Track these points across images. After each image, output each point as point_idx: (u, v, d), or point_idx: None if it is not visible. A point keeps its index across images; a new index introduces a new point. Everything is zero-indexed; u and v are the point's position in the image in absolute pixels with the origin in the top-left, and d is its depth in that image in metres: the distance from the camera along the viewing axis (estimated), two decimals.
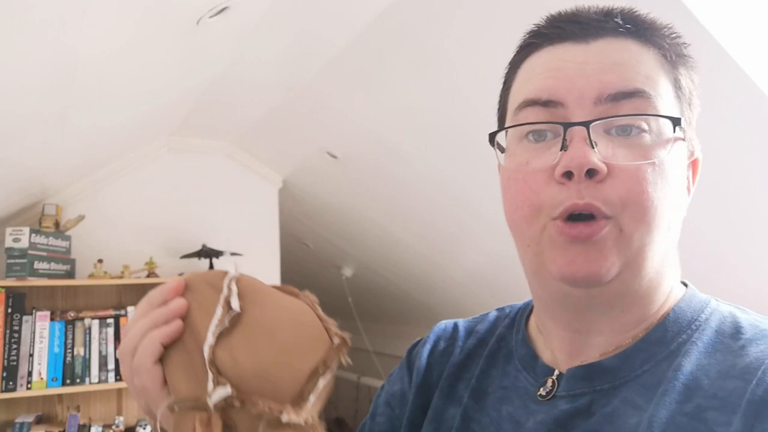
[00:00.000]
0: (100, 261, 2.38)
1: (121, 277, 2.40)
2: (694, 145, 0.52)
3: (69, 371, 2.19)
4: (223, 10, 1.47)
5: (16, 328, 2.13)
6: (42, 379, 2.13)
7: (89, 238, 2.48)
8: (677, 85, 0.49)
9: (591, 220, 0.45)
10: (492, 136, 0.53)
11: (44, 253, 2.20)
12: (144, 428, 2.34)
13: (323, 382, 0.42)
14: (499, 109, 0.57)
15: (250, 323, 0.43)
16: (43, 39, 1.21)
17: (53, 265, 2.25)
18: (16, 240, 2.11)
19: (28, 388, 2.10)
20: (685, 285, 0.55)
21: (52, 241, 2.25)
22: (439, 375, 0.62)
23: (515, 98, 0.52)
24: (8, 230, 2.13)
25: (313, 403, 0.42)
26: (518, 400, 0.53)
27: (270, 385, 0.41)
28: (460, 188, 2.28)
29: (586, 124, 0.46)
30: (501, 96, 0.56)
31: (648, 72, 0.48)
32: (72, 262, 2.38)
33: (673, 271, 0.52)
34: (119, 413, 2.44)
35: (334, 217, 3.19)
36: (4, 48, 1.17)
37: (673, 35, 0.51)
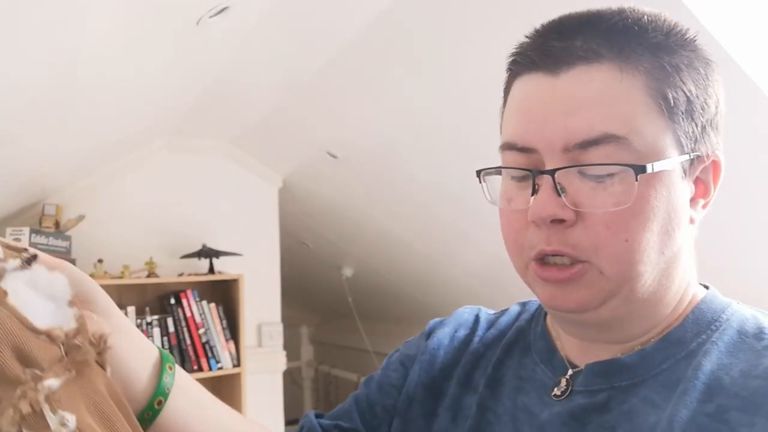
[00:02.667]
0: (100, 261, 2.38)
1: (121, 277, 2.40)
2: (708, 149, 0.49)
3: None
4: (223, 10, 1.47)
5: None
6: None
7: (89, 238, 2.48)
8: (666, 104, 0.46)
9: (567, 265, 0.47)
10: (479, 173, 0.54)
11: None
12: None
13: None
14: (500, 125, 0.56)
15: None
16: (43, 39, 1.21)
17: None
18: (16, 240, 2.11)
19: None
20: (707, 288, 0.55)
21: (52, 241, 2.25)
22: (455, 362, 0.63)
23: (502, 133, 0.53)
24: (8, 230, 2.12)
25: None
26: (534, 392, 0.54)
27: None
28: (460, 187, 2.28)
29: (551, 173, 0.46)
30: (500, 113, 0.56)
31: (622, 107, 0.45)
32: (72, 262, 2.38)
33: (685, 275, 0.52)
34: None
35: (334, 217, 3.19)
36: (4, 48, 1.17)
37: (668, 39, 0.47)
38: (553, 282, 0.48)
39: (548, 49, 0.48)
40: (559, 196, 0.46)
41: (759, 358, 0.45)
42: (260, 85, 2.18)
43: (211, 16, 1.48)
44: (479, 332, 0.64)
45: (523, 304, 0.66)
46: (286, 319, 3.06)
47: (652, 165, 0.45)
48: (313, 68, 2.00)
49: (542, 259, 0.48)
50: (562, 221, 0.46)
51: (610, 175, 0.45)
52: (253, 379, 2.66)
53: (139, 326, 2.37)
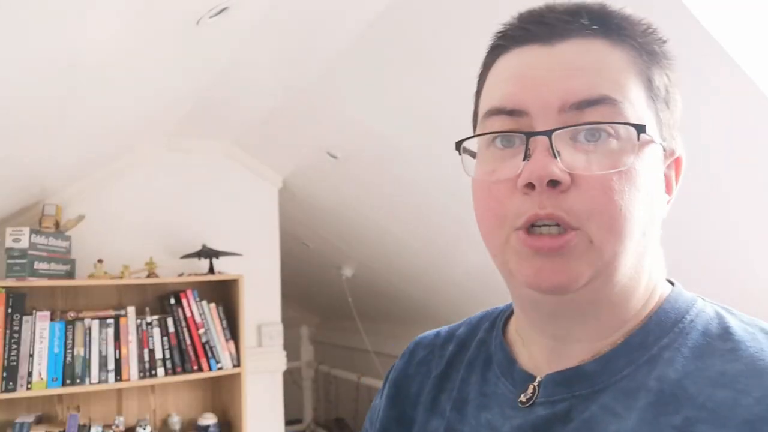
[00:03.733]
0: (100, 261, 2.38)
1: (121, 277, 2.40)
2: (675, 145, 0.51)
3: (69, 371, 2.19)
4: (223, 10, 1.47)
5: (16, 328, 2.13)
6: (42, 379, 2.13)
7: (89, 238, 2.48)
8: (650, 85, 0.48)
9: (557, 234, 0.45)
10: (459, 144, 0.52)
11: (44, 253, 2.20)
12: (144, 428, 2.34)
13: None
14: (473, 113, 0.56)
15: None
16: (43, 39, 1.21)
17: (53, 265, 2.25)
18: (16, 240, 2.11)
19: (28, 389, 2.10)
20: (672, 283, 0.53)
21: (52, 241, 2.25)
22: (420, 387, 0.61)
23: (484, 105, 0.51)
24: (8, 230, 2.12)
25: None
26: (497, 407, 0.53)
27: None
28: (460, 187, 2.28)
29: (548, 134, 0.45)
30: (474, 100, 0.55)
31: (616, 75, 0.46)
32: (72, 262, 2.38)
33: (655, 271, 0.51)
34: (119, 413, 2.44)
35: (334, 217, 3.19)
36: (4, 48, 1.17)
37: (649, 30, 0.49)
38: (545, 251, 0.45)
39: (543, 20, 0.48)
40: (555, 158, 0.44)
41: (725, 363, 0.43)
42: (260, 85, 2.18)
43: (211, 17, 1.48)
44: (438, 350, 0.63)
45: (487, 312, 0.64)
46: (286, 319, 3.06)
47: (647, 127, 0.45)
48: (313, 68, 2.00)
49: (529, 230, 0.46)
50: (556, 185, 0.44)
51: (606, 136, 0.45)
52: (253, 379, 2.66)
53: (139, 326, 2.37)
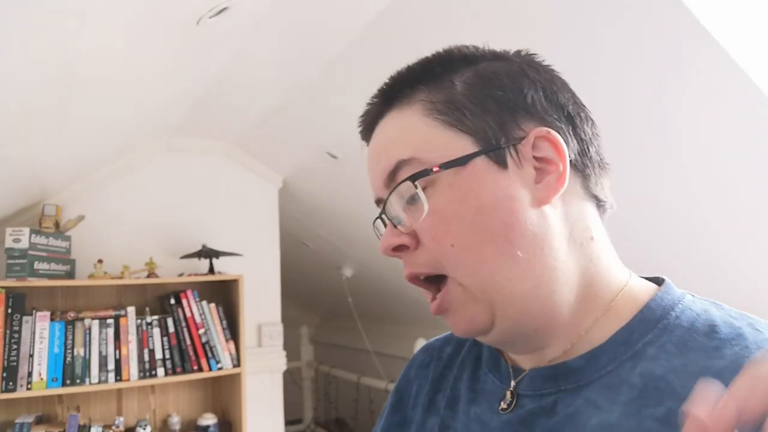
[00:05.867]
0: (100, 261, 2.38)
1: (121, 278, 2.40)
2: (524, 130, 0.50)
3: (69, 371, 2.19)
4: (223, 10, 1.47)
5: (16, 328, 2.13)
6: (42, 379, 2.13)
7: (89, 238, 2.48)
8: (442, 108, 0.50)
9: (437, 294, 0.51)
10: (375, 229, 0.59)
11: (44, 254, 2.20)
12: (144, 428, 2.34)
13: None
14: None
15: None
16: (43, 39, 1.21)
17: (53, 266, 2.25)
18: (16, 240, 2.11)
19: (28, 389, 2.10)
20: (662, 280, 0.54)
21: (52, 241, 2.25)
22: (419, 389, 0.64)
23: None
24: (8, 230, 2.13)
25: None
26: (486, 402, 0.55)
27: None
28: None
29: (380, 214, 0.54)
30: None
31: (405, 136, 0.52)
32: (72, 262, 2.38)
33: (604, 272, 0.51)
34: (119, 413, 2.45)
35: (335, 217, 3.19)
36: (4, 48, 1.17)
37: (426, 64, 0.55)
38: (440, 313, 0.51)
39: (364, 120, 0.59)
40: (395, 227, 0.51)
41: (709, 360, 0.43)
42: (260, 85, 2.18)
43: (211, 16, 1.48)
44: (436, 353, 0.66)
45: None
46: (286, 319, 3.06)
47: (437, 168, 0.49)
48: (313, 68, 2.00)
49: (428, 288, 0.52)
50: (404, 248, 0.51)
51: (420, 196, 0.49)
52: (253, 379, 2.66)
53: (139, 326, 2.37)
